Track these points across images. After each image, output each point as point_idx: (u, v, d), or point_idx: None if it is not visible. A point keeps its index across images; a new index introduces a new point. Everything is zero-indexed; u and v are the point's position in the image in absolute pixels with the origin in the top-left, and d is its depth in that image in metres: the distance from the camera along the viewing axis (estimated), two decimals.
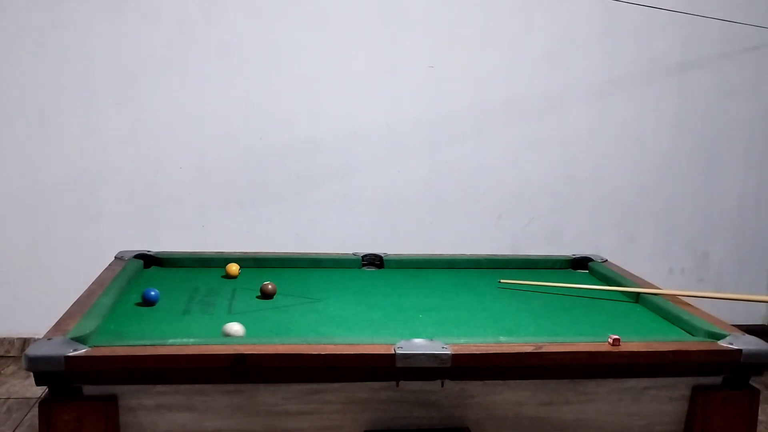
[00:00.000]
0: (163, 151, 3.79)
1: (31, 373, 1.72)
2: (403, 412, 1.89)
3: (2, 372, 3.59)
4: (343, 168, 3.94)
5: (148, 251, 2.84)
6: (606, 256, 3.07)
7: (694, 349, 1.93)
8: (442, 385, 1.86)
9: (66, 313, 2.02)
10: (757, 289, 4.35)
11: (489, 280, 2.76)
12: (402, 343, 1.84)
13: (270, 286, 2.40)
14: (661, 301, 2.38)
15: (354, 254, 2.97)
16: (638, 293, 2.51)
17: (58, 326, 1.90)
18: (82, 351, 1.73)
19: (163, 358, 1.76)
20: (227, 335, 1.97)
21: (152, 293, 2.29)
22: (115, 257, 2.77)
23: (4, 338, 3.83)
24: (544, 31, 3.95)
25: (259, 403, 1.83)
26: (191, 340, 1.85)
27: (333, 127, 3.88)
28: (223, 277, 2.65)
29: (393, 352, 1.80)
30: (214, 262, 2.84)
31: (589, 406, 1.94)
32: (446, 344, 1.84)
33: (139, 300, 2.30)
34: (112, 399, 1.76)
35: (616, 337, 1.91)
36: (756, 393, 1.95)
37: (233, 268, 2.67)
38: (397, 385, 1.85)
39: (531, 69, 3.97)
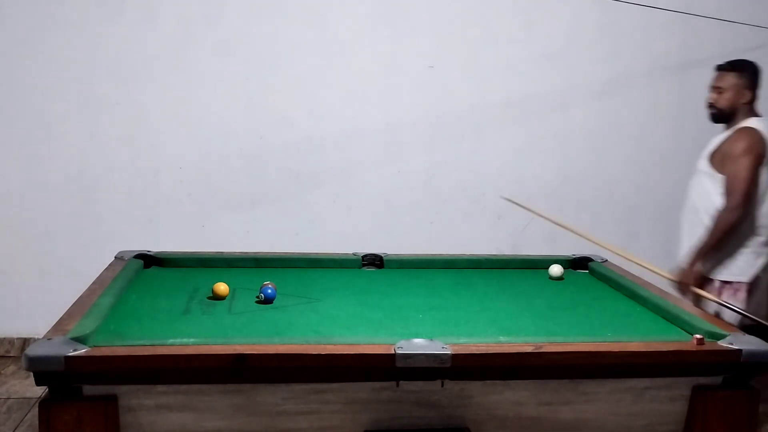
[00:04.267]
0: (163, 151, 3.79)
1: (31, 373, 1.72)
2: (403, 412, 1.88)
3: (2, 372, 3.58)
4: (343, 168, 3.93)
5: (148, 251, 2.84)
6: (606, 256, 3.07)
7: (694, 349, 1.93)
8: (442, 385, 1.86)
9: (66, 313, 2.02)
10: None
11: (489, 280, 2.76)
12: (402, 343, 1.84)
13: (222, 287, 2.37)
14: (661, 301, 2.38)
15: (354, 254, 2.97)
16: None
17: (58, 326, 1.89)
18: (82, 351, 1.73)
19: (163, 358, 1.76)
20: (553, 274, 2.73)
21: (269, 290, 2.31)
22: (115, 257, 2.76)
23: (4, 338, 3.83)
24: (544, 31, 3.95)
25: (259, 403, 1.83)
26: (191, 340, 1.85)
27: (333, 127, 3.88)
28: (210, 298, 2.35)
29: (393, 352, 1.79)
30: (214, 262, 2.84)
31: (589, 406, 1.94)
32: (446, 344, 1.84)
33: (139, 300, 2.29)
34: (112, 399, 1.75)
35: (700, 336, 1.94)
36: (756, 393, 1.95)
37: (221, 287, 2.36)
38: (397, 385, 1.84)
39: (531, 69, 3.96)
